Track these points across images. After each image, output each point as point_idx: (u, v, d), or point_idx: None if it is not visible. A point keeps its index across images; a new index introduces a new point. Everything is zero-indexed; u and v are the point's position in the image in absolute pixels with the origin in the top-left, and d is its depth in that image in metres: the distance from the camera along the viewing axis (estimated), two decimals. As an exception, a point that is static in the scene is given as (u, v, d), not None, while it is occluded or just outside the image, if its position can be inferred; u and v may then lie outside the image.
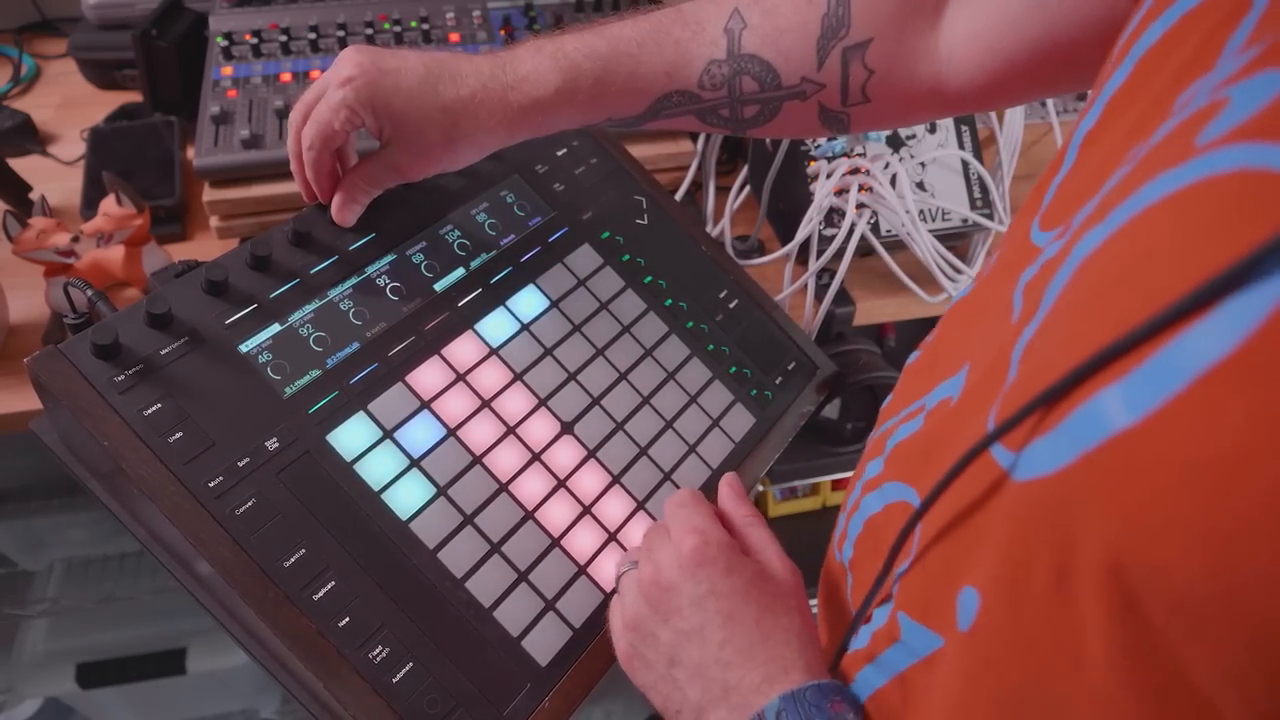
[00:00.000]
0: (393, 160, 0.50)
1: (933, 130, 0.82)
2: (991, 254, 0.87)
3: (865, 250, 0.78)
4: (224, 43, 0.84)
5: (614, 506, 0.54)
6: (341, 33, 0.86)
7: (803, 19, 0.48)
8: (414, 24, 0.88)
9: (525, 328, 0.57)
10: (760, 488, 1.31)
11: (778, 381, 0.64)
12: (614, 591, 0.47)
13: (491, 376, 0.54)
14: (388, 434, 0.50)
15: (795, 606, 0.41)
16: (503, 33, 0.89)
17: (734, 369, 0.63)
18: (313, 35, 0.85)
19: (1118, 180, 0.26)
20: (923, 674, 0.33)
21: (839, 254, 0.74)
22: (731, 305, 0.66)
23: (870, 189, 0.76)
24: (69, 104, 0.95)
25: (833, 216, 0.76)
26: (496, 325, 0.56)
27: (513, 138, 0.51)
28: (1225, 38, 0.25)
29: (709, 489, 0.57)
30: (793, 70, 0.49)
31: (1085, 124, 0.33)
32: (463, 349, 0.54)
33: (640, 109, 0.52)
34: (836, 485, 1.28)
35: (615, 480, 0.55)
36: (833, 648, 0.41)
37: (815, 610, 0.48)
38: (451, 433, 0.51)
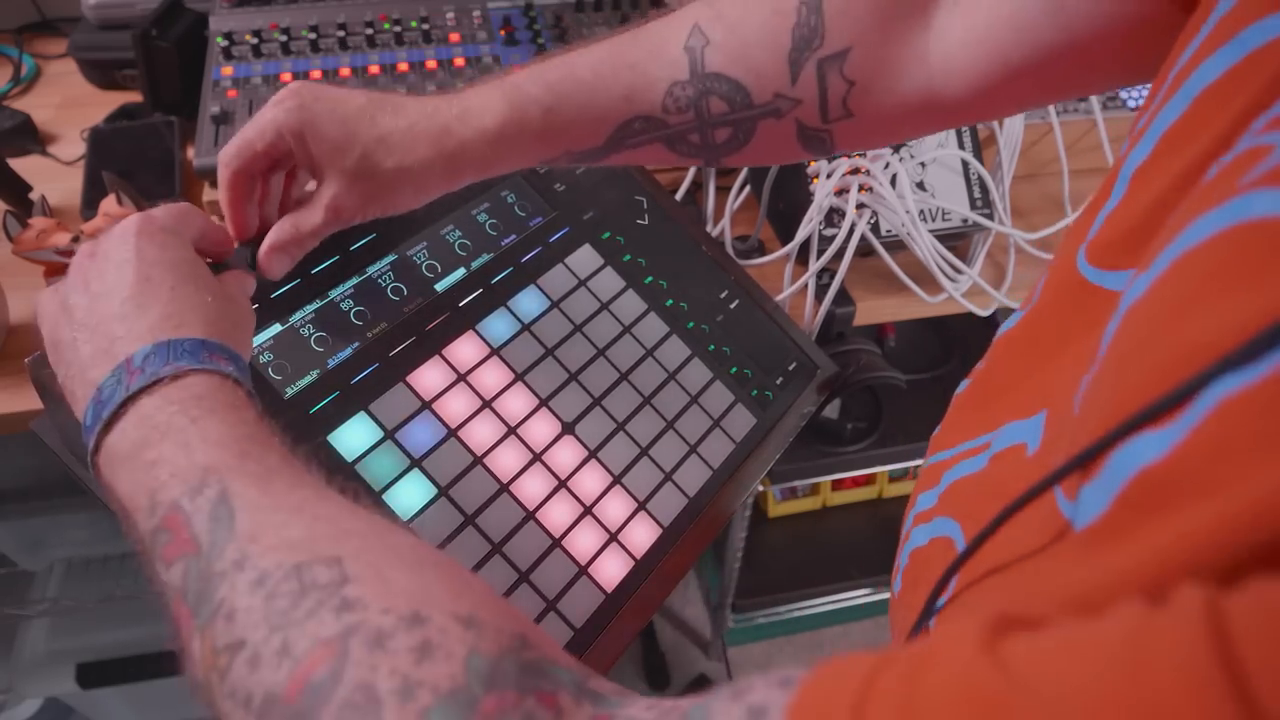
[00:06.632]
0: (324, 198, 0.45)
1: (933, 130, 0.82)
2: (993, 255, 0.87)
3: (865, 250, 0.78)
4: (224, 43, 0.84)
5: (615, 507, 0.54)
6: (341, 33, 0.86)
7: (771, 31, 0.44)
8: (414, 24, 0.88)
9: (526, 328, 0.57)
10: (760, 488, 1.31)
11: (778, 382, 0.64)
12: (616, 595, 0.46)
13: (492, 377, 0.54)
14: (389, 434, 0.50)
15: (237, 314, 0.40)
16: (502, 33, 0.89)
17: (734, 369, 0.63)
18: (313, 35, 0.85)
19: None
20: None
21: (839, 254, 0.74)
22: (732, 305, 0.66)
23: (870, 189, 0.76)
24: (69, 104, 0.95)
25: (833, 216, 0.77)
26: (497, 325, 0.56)
27: (455, 177, 0.46)
28: None
29: (710, 489, 0.57)
30: (764, 87, 0.45)
31: (1136, 155, 0.31)
32: (464, 349, 0.54)
33: (600, 139, 0.48)
34: (836, 485, 1.28)
35: (616, 480, 0.55)
36: None
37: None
38: (452, 433, 0.51)
